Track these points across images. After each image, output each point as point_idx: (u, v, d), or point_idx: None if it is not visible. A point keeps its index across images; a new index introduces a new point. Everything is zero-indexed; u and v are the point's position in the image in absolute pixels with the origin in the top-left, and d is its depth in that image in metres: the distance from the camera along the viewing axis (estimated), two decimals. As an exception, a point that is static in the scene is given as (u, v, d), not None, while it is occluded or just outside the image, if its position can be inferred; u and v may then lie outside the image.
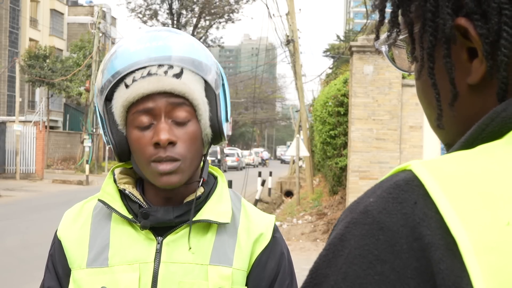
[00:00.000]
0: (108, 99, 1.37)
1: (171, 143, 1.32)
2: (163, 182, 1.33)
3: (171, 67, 1.32)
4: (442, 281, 0.54)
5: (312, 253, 10.85)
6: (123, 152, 1.38)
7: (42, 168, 28.07)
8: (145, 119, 1.33)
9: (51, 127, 38.83)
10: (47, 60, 34.04)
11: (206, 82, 1.37)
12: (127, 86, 1.33)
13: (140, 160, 1.35)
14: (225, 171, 43.66)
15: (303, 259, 10.08)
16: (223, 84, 1.44)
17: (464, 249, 0.54)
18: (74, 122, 43.45)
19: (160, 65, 1.31)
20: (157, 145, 1.31)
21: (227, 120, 1.43)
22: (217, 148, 43.41)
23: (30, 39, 43.53)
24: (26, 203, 17.87)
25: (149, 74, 1.31)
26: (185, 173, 1.34)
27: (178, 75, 1.32)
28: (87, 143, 29.86)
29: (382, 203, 0.58)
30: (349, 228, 0.58)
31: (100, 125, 1.42)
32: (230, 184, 15.86)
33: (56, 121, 44.03)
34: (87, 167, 26.41)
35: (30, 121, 31.68)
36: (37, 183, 25.64)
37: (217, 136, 1.41)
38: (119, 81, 1.34)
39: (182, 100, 1.33)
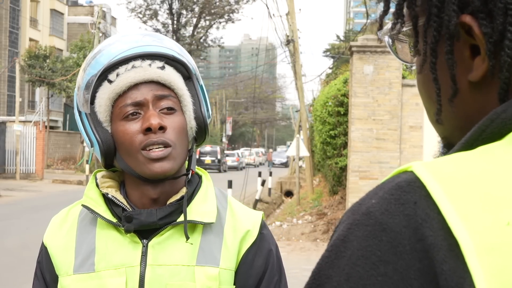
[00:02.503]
0: (90, 101, 1.37)
1: (161, 129, 1.33)
2: (155, 169, 1.33)
3: (154, 61, 1.35)
4: (445, 282, 0.54)
5: (312, 253, 10.83)
6: (109, 149, 1.37)
7: (42, 168, 28.06)
8: (132, 110, 1.34)
9: (51, 127, 38.82)
10: (47, 60, 34.03)
11: (188, 77, 1.41)
12: (110, 82, 1.35)
13: (129, 151, 1.34)
14: (225, 171, 43.59)
15: (303, 259, 10.07)
16: (201, 86, 1.45)
17: (466, 250, 0.54)
18: (74, 122, 43.34)
19: (143, 60, 1.35)
20: (147, 131, 1.32)
21: (209, 116, 1.44)
22: (217, 148, 43.38)
23: (30, 39, 43.52)
24: (26, 203, 17.86)
25: (133, 67, 1.34)
26: (176, 161, 1.35)
27: (162, 68, 1.36)
28: (87, 143, 29.79)
29: (384, 205, 0.58)
30: (351, 230, 0.59)
31: (81, 128, 1.40)
32: (230, 184, 15.86)
33: (56, 121, 44.02)
34: (87, 167, 26.39)
35: (30, 121, 31.67)
36: (37, 183, 25.63)
37: (201, 131, 1.42)
38: (102, 79, 1.35)
39: (167, 90, 1.36)
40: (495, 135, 0.61)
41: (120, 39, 1.40)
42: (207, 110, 1.44)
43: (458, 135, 0.65)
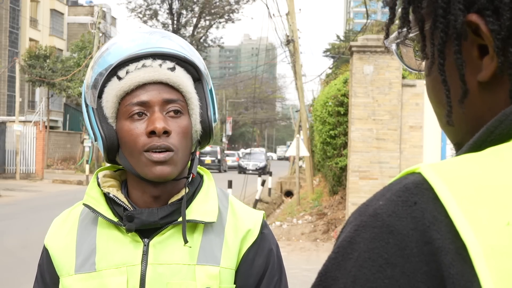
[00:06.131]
0: (98, 95, 1.37)
1: (166, 133, 1.32)
2: (156, 172, 1.33)
3: (164, 61, 1.35)
4: (452, 285, 0.53)
5: (312, 253, 10.83)
6: (112, 145, 1.37)
7: (42, 168, 28.07)
8: (138, 110, 1.34)
9: (51, 127, 38.82)
10: (48, 60, 34.04)
11: (197, 79, 1.41)
12: (119, 78, 1.34)
13: (132, 151, 1.34)
14: (225, 170, 43.55)
15: (303, 259, 10.07)
16: (210, 89, 1.45)
17: (474, 254, 0.53)
18: (74, 122, 43.44)
19: (154, 59, 1.34)
20: (151, 134, 1.32)
21: (215, 120, 1.44)
22: (217, 148, 43.32)
23: (30, 39, 43.52)
24: (26, 203, 17.86)
25: (143, 66, 1.33)
26: (178, 165, 1.35)
27: (172, 69, 1.35)
28: (87, 143, 29.85)
29: (391, 206, 0.57)
30: (358, 231, 0.58)
31: (86, 121, 1.41)
32: (230, 184, 15.86)
33: (56, 121, 44.02)
34: (87, 167, 26.40)
35: (30, 121, 31.65)
36: (37, 183, 25.63)
37: (206, 134, 1.42)
38: (111, 75, 1.35)
39: (175, 93, 1.35)
40: (504, 137, 0.61)
41: (130, 37, 1.39)
42: (214, 113, 1.43)
43: (470, 139, 0.64)
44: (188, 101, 1.37)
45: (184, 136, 1.36)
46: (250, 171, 37.56)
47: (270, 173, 24.20)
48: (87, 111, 1.39)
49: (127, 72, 1.33)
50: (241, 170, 41.94)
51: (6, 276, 8.57)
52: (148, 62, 1.34)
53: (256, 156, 42.91)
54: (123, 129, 1.35)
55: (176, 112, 1.35)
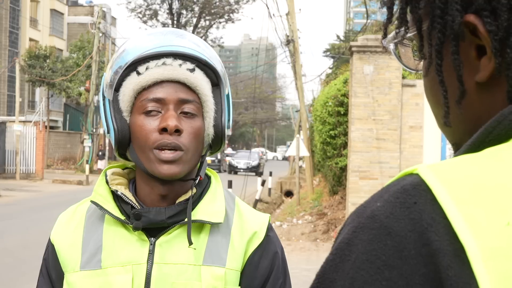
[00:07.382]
0: (116, 89, 1.38)
1: (177, 131, 1.33)
2: (163, 171, 1.33)
3: (185, 62, 1.36)
4: (450, 287, 0.53)
5: (312, 253, 10.83)
6: (124, 138, 1.37)
7: (42, 168, 28.07)
8: (153, 107, 1.35)
9: (51, 127, 38.83)
10: (47, 60, 34.05)
11: (216, 84, 1.41)
12: (139, 73, 1.35)
13: (142, 147, 1.35)
14: (225, 171, 43.54)
15: (303, 259, 10.07)
16: (227, 95, 1.45)
17: (472, 256, 0.53)
18: (74, 122, 43.45)
19: (175, 58, 1.35)
20: (163, 131, 1.33)
21: (228, 126, 1.44)
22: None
23: (30, 39, 43.52)
24: (26, 203, 17.86)
25: (164, 64, 1.35)
26: (186, 165, 1.35)
27: (191, 70, 1.36)
28: (87, 143, 29.88)
29: (389, 208, 0.57)
30: (356, 233, 0.58)
31: (101, 113, 1.41)
32: (230, 184, 15.85)
33: (56, 121, 44.02)
34: (87, 167, 26.41)
35: (30, 121, 31.67)
36: (37, 183, 25.63)
37: (218, 139, 1.42)
38: (131, 70, 1.36)
39: (192, 94, 1.36)
40: (502, 137, 0.61)
41: (149, 36, 1.40)
42: (229, 120, 1.44)
43: (468, 139, 0.64)
44: (203, 103, 1.38)
45: (196, 137, 1.36)
46: (242, 170, 34.21)
47: (270, 173, 24.18)
48: (104, 103, 1.40)
49: (146, 68, 1.35)
50: (232, 169, 39.46)
51: (6, 276, 8.57)
52: (168, 60, 1.35)
53: (250, 155, 40.10)
54: (136, 123, 1.36)
55: (191, 113, 1.36)
